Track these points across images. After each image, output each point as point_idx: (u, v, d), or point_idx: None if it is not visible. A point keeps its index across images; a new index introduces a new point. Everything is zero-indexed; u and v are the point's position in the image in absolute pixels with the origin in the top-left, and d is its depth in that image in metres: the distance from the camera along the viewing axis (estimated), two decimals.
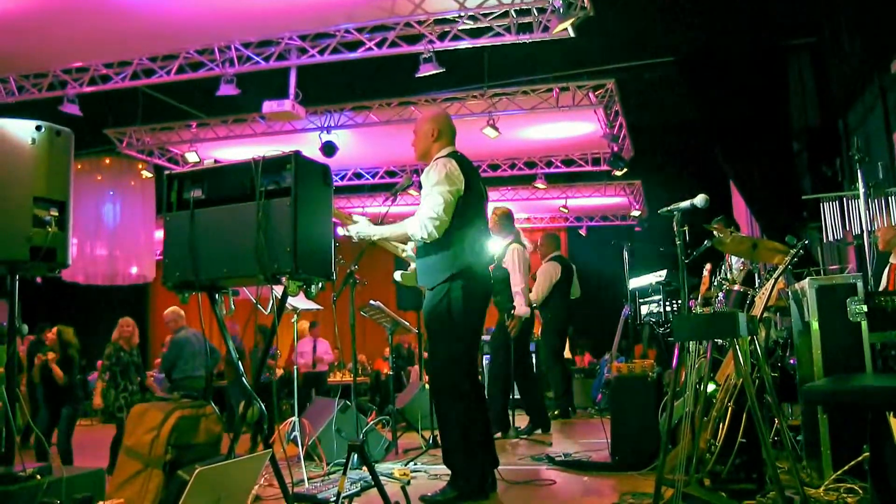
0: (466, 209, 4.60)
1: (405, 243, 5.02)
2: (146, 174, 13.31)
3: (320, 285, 3.92)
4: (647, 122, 12.31)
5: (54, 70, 10.01)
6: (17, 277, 4.09)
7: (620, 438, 5.50)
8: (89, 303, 18.05)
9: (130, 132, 12.46)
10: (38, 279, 4.38)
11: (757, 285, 5.15)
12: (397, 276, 5.10)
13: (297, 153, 3.77)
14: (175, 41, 9.11)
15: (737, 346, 3.45)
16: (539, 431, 7.53)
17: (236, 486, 3.02)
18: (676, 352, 3.76)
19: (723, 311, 4.59)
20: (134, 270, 15.21)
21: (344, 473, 3.72)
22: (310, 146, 10.98)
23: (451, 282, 4.50)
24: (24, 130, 3.86)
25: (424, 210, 4.48)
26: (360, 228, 4.61)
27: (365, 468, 5.65)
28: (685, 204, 3.93)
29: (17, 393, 4.42)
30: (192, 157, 12.18)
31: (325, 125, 11.12)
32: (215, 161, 4.06)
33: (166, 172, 4.17)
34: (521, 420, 7.78)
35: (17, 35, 8.57)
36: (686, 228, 3.98)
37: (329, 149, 10.85)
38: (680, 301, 6.76)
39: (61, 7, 8.15)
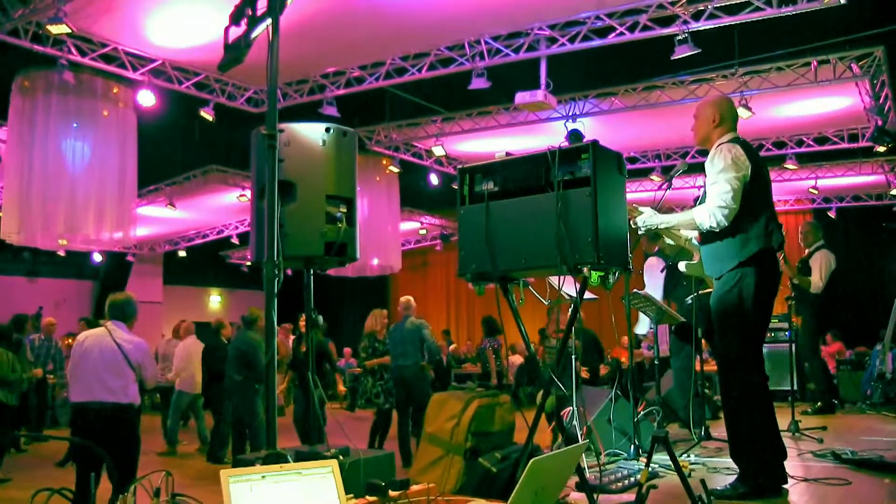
0: (753, 194, 4.42)
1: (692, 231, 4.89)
2: (393, 169, 13.87)
3: (616, 275, 3.89)
4: None
5: (314, 76, 10.69)
6: (311, 272, 4.41)
7: None
8: (336, 293, 19.21)
9: (379, 129, 13.06)
10: (289, 271, 4.61)
11: None
12: (682, 266, 4.98)
13: (595, 142, 3.76)
14: (427, 39, 9.42)
15: None
16: None
17: (557, 477, 3.04)
18: None
19: None
20: (375, 262, 15.94)
21: (647, 465, 3.67)
22: (555, 135, 10.98)
23: (742, 269, 4.33)
24: (315, 133, 4.10)
25: (712, 199, 4.35)
26: (647, 218, 4.55)
27: (642, 459, 5.60)
28: None
29: (315, 379, 4.75)
30: (438, 150, 12.55)
31: (570, 113, 11.07)
32: (507, 154, 4.12)
33: (458, 166, 4.29)
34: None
35: (284, 46, 9.18)
36: None
37: (576, 137, 10.78)
38: None
39: (321, 17, 8.65)
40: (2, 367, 8.30)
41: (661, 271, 7.36)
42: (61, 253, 16.83)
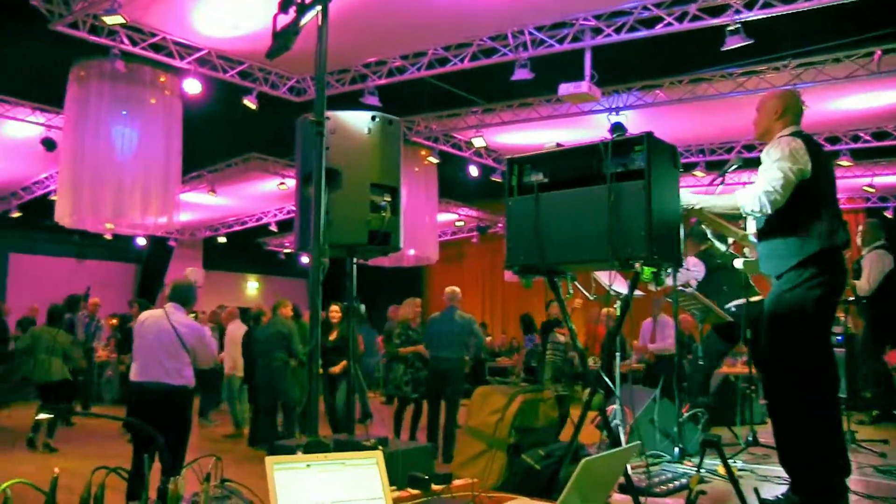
0: (815, 191, 4.24)
1: (736, 219, 4.71)
2: (432, 160, 13.77)
3: (668, 271, 3.77)
4: None
5: (355, 65, 10.63)
6: (354, 260, 4.34)
7: None
8: (371, 283, 19.18)
9: (419, 120, 12.97)
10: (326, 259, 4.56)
11: None
12: (738, 263, 4.83)
13: (650, 133, 3.64)
14: (470, 29, 9.28)
15: None
16: None
17: (606, 478, 2.93)
18: None
19: None
20: (412, 252, 15.86)
21: (698, 469, 3.55)
22: (595, 129, 10.79)
23: (804, 268, 4.15)
24: (361, 121, 4.08)
25: (761, 183, 4.18)
26: (682, 197, 4.37)
27: (687, 462, 5.46)
28: None
29: (357, 368, 4.69)
30: (478, 142, 12.46)
31: (612, 106, 10.86)
32: (557, 145, 4.01)
33: (507, 157, 4.20)
34: None
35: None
36: None
37: (619, 130, 10.59)
38: None
39: (364, 6, 8.56)
40: (69, 347, 9.17)
41: (701, 275, 7.10)
42: (107, 236, 17.18)
